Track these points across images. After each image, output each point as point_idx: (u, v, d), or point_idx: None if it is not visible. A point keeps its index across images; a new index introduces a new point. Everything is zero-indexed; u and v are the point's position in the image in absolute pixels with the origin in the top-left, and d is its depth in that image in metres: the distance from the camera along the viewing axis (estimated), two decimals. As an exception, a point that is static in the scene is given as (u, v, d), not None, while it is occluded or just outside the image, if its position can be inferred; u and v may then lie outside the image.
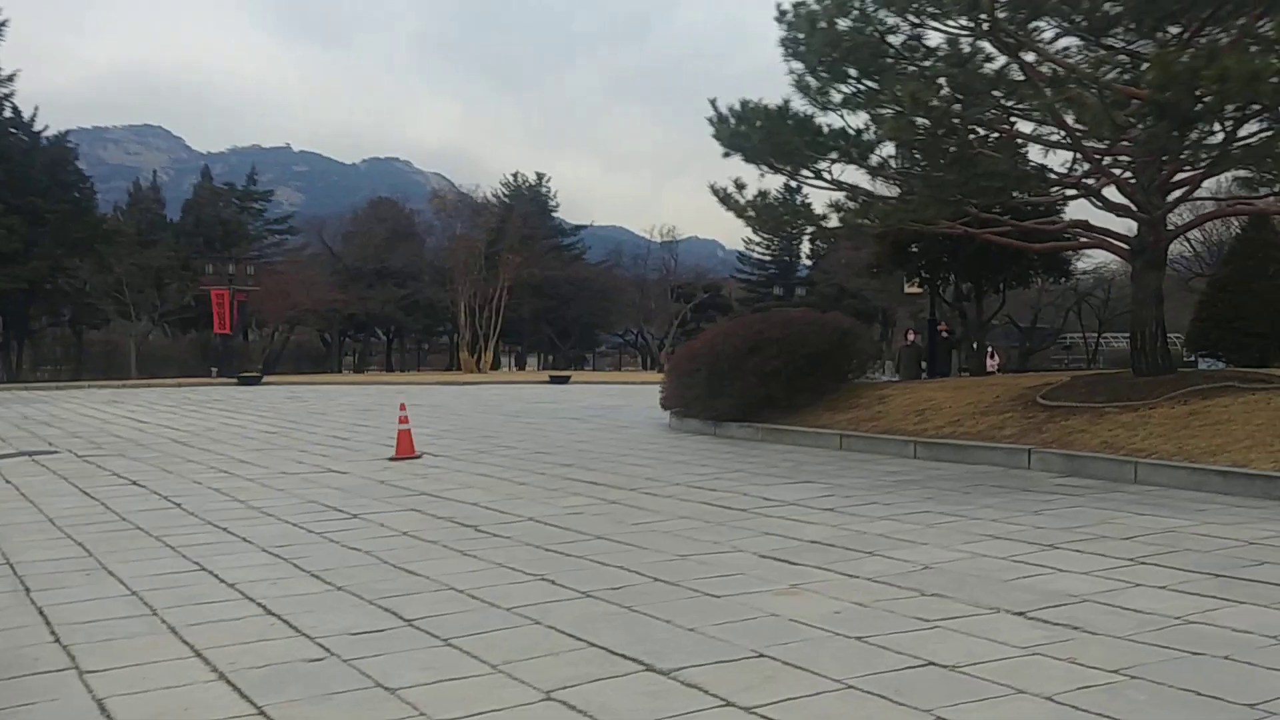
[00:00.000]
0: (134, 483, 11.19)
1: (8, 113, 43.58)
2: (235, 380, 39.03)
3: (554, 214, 76.30)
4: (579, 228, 78.05)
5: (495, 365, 55.08)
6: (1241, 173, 13.37)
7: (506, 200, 68.62)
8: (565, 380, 39.96)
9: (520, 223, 56.86)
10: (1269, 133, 11.04)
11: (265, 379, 40.26)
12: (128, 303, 45.50)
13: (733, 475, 11.30)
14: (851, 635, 5.10)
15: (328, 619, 5.55)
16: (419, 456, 13.25)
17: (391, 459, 13.06)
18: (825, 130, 13.48)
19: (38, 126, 45.08)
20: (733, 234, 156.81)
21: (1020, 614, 5.46)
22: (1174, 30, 12.11)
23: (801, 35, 12.94)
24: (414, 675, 4.60)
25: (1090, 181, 13.33)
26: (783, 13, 13.49)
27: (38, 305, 46.57)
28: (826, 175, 13.93)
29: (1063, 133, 12.12)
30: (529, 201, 70.42)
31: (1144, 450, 10.68)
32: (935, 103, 10.89)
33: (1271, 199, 14.58)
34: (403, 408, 14.46)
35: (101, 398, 29.47)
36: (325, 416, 21.14)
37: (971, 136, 12.75)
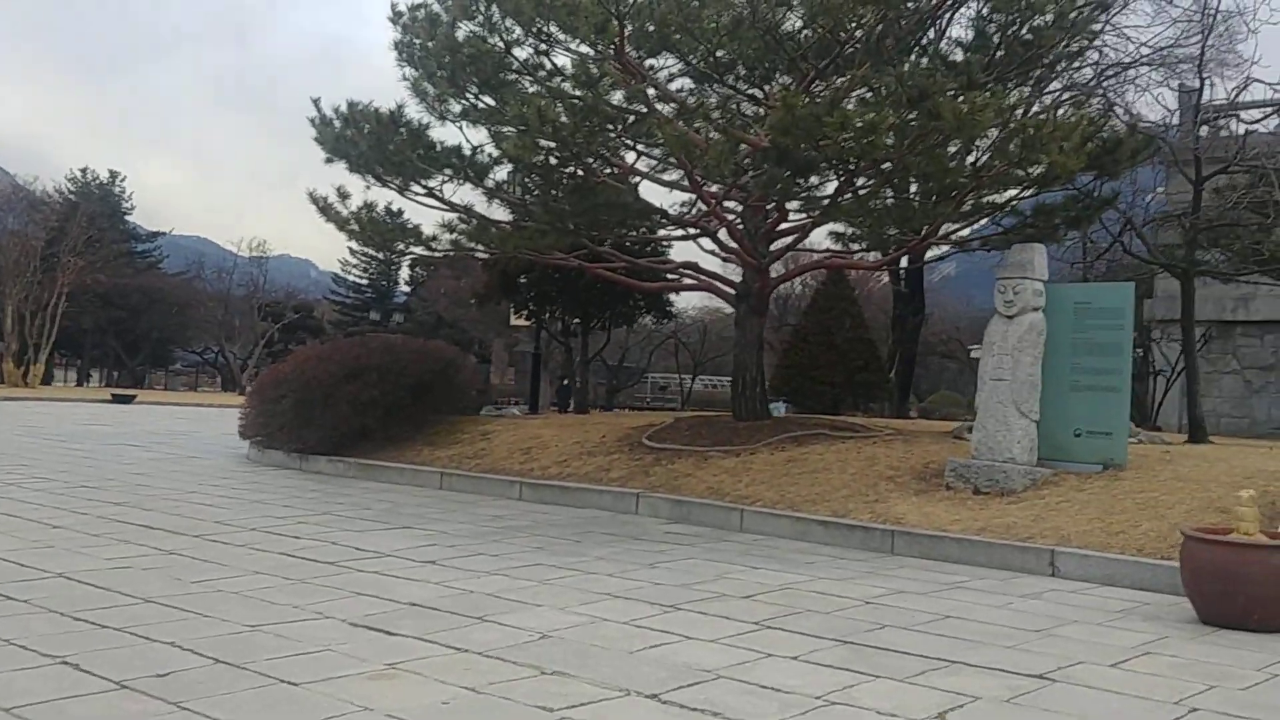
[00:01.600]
0: None
1: None
2: None
3: (128, 217, 69.86)
4: (157, 234, 71.81)
5: (47, 380, 48.98)
6: (837, 227, 13.94)
7: (72, 198, 61.69)
8: (130, 400, 36.02)
9: (86, 223, 50.86)
10: (871, 186, 11.45)
11: None
12: None
13: (320, 519, 10.00)
14: (464, 737, 4.17)
15: None
16: (-77, 490, 10.84)
17: (-116, 493, 10.59)
18: (440, 146, 12.61)
19: None
20: (327, 254, 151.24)
21: (654, 696, 4.77)
22: (786, 80, 12.37)
23: (419, 40, 11.99)
24: None
25: (706, 223, 13.36)
26: (398, 14, 12.49)
27: None
28: (439, 193, 13.04)
29: (681, 172, 11.99)
30: (99, 201, 63.76)
31: (749, 497, 10.59)
32: (561, 123, 10.30)
33: (862, 255, 15.39)
34: (-93, 429, 11.82)
35: None
36: None
37: (594, 163, 12.35)
